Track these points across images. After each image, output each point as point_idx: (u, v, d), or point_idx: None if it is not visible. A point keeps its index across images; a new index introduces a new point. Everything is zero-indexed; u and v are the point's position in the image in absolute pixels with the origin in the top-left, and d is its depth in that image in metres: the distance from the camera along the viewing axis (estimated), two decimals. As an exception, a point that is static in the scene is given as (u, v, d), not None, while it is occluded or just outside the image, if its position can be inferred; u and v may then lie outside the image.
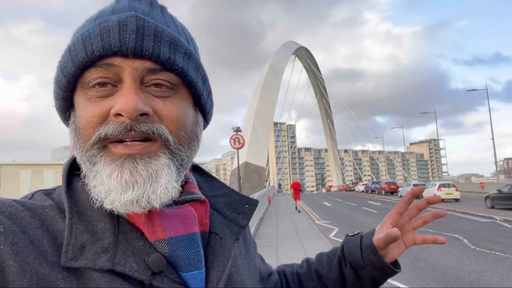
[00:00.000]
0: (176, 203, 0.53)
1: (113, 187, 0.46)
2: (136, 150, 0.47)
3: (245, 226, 0.60)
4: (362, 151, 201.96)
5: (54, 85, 0.51)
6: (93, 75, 0.47)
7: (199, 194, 0.57)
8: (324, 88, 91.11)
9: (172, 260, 0.49)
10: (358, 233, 0.77)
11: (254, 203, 0.63)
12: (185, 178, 0.56)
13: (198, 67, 0.54)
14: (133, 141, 0.47)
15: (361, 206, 23.86)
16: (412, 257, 7.58)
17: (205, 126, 0.60)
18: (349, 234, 0.77)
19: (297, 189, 19.86)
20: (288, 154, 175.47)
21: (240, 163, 38.29)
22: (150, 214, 0.49)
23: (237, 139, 15.49)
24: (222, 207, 0.61)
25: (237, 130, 16.15)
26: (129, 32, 0.46)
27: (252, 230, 11.12)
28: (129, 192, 0.46)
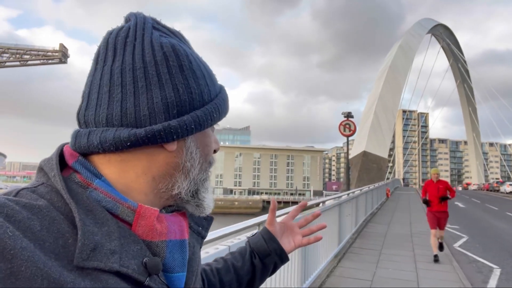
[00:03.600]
0: (167, 211, 0.60)
1: (212, 199, 0.64)
2: None
3: (205, 237, 0.70)
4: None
5: (207, 121, 0.59)
6: (221, 121, 0.65)
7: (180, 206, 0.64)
8: (467, 71, 79.01)
9: (167, 261, 0.55)
10: (256, 233, 0.95)
11: (210, 219, 0.73)
12: None
13: None
14: None
15: (505, 211, 19.67)
16: None
17: None
18: (249, 236, 0.96)
19: (436, 200, 7.51)
20: (418, 145, 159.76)
21: (359, 152, 36.09)
22: (159, 216, 0.56)
23: (347, 125, 14.11)
24: (187, 219, 0.68)
25: (348, 115, 14.68)
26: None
27: (356, 227, 9.90)
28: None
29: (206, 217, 0.71)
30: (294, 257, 4.06)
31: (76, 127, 0.58)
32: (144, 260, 0.51)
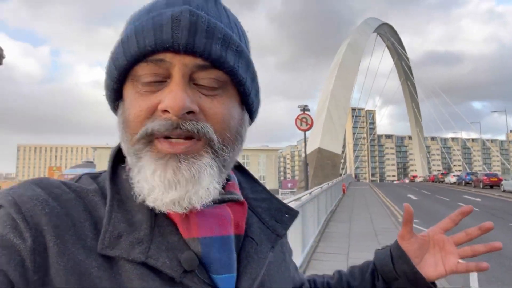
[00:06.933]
0: (214, 202, 0.51)
1: (156, 185, 0.46)
2: (181, 150, 0.47)
3: (282, 236, 0.59)
4: (452, 139, 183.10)
5: (106, 75, 0.52)
6: (144, 70, 0.48)
7: (238, 195, 0.56)
8: (410, 69, 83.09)
9: (204, 260, 0.48)
10: (387, 246, 0.74)
11: (294, 214, 0.62)
12: (226, 178, 0.55)
13: (248, 65, 0.53)
14: (178, 138, 0.47)
15: (456, 201, 20.09)
16: None
17: (250, 124, 0.59)
18: (379, 249, 0.75)
19: None
20: (367, 141, 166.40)
21: (313, 149, 36.02)
22: (188, 211, 0.49)
23: (304, 119, 13.33)
24: (262, 212, 0.59)
25: (304, 108, 13.94)
26: (181, 28, 0.46)
27: (318, 228, 9.07)
28: (172, 192, 0.46)
29: (288, 212, 0.61)
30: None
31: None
32: (179, 254, 0.47)
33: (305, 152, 15.70)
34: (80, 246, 0.43)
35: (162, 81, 0.48)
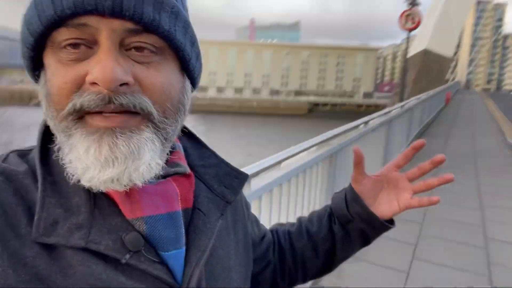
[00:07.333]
0: (158, 177, 0.48)
1: (91, 163, 0.42)
2: (116, 123, 0.43)
3: (231, 201, 0.57)
4: None
5: (21, 42, 0.45)
6: (64, 35, 0.42)
7: (184, 167, 0.54)
8: None
9: (151, 239, 0.46)
10: (343, 189, 0.76)
11: (243, 178, 0.60)
12: (171, 148, 0.52)
13: (186, 27, 0.48)
14: (112, 113, 0.43)
15: None
16: None
17: (192, 91, 0.54)
18: (336, 192, 0.76)
19: None
20: (490, 41, 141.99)
21: (419, 50, 31.82)
22: (129, 190, 0.45)
23: (410, 16, 11.36)
24: (210, 179, 0.58)
25: (413, 3, 11.76)
26: None
27: (407, 143, 8.37)
28: (109, 170, 0.42)
29: (237, 176, 0.60)
30: (316, 199, 2.82)
31: None
32: (123, 235, 0.44)
33: (405, 56, 13.85)
34: (13, 235, 0.40)
35: (88, 47, 0.42)
